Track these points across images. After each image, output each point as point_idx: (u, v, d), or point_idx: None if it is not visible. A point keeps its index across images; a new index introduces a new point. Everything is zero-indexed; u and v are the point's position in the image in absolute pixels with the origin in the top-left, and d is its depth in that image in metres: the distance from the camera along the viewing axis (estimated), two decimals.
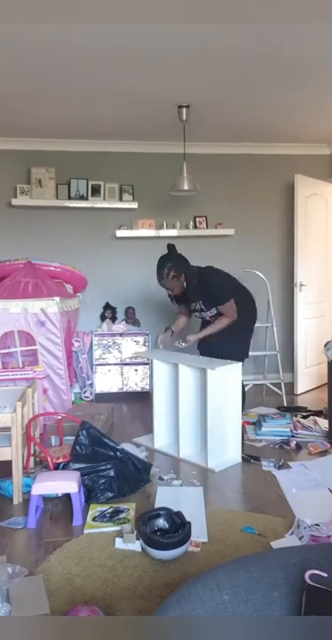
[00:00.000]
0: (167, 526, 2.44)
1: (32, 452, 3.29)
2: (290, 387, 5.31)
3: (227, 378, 3.39)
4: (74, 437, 3.13)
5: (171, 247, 3.77)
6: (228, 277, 3.85)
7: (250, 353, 5.35)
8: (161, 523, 2.45)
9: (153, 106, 4.30)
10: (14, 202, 5.15)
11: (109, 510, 2.70)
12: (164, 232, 5.37)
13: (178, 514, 2.44)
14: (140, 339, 5.18)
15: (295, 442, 3.72)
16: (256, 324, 5.49)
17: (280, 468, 3.30)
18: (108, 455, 3.03)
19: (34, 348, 4.28)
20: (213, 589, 1.27)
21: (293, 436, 3.81)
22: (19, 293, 4.36)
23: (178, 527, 2.36)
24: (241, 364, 3.43)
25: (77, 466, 2.90)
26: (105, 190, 5.34)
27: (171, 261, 3.64)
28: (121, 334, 5.16)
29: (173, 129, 4.72)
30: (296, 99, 4.19)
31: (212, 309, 3.75)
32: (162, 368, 3.76)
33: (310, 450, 3.59)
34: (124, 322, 5.36)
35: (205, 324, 3.90)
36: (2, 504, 2.87)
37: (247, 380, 5.19)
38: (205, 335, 3.76)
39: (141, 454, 3.43)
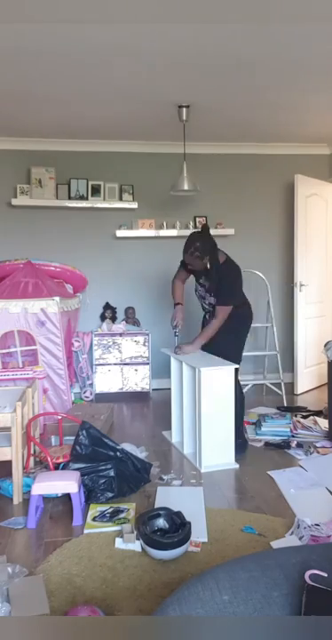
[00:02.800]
0: (167, 526, 2.44)
1: (32, 451, 3.29)
2: (290, 387, 5.30)
3: (221, 377, 3.38)
4: (74, 437, 3.13)
5: (206, 228, 3.72)
6: (240, 285, 3.76)
7: (251, 353, 5.37)
8: (161, 523, 2.45)
9: (153, 106, 4.30)
10: (14, 202, 5.15)
11: (109, 510, 2.70)
12: (164, 232, 5.37)
13: (178, 514, 2.44)
14: (140, 339, 5.18)
15: (295, 442, 3.72)
16: (257, 324, 5.51)
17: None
18: (108, 455, 3.03)
19: (34, 347, 4.29)
20: (213, 589, 1.28)
21: (293, 436, 3.81)
22: (19, 293, 4.36)
23: (178, 527, 2.36)
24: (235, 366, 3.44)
25: (77, 466, 2.90)
26: (105, 190, 5.34)
27: (200, 242, 3.56)
28: (121, 334, 5.16)
29: (173, 129, 4.72)
30: (296, 99, 4.18)
31: (213, 299, 3.70)
32: (176, 366, 3.83)
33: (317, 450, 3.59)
34: (124, 322, 5.36)
35: (203, 306, 3.88)
36: (2, 504, 2.87)
37: (247, 380, 5.20)
38: (200, 344, 3.69)
39: (141, 454, 3.43)
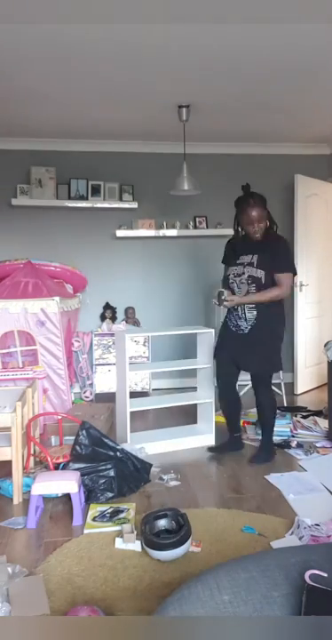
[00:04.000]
0: (174, 526, 2.42)
1: (32, 452, 3.29)
2: (290, 387, 5.30)
3: None
4: (74, 437, 3.13)
5: (247, 186, 3.41)
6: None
7: None
8: (166, 523, 2.43)
9: (153, 106, 4.30)
10: (14, 202, 5.14)
11: (109, 510, 2.70)
12: (164, 232, 5.37)
13: (183, 515, 2.42)
14: (140, 339, 5.18)
15: (295, 442, 3.72)
16: None
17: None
18: (108, 455, 3.03)
19: (34, 347, 4.28)
20: (213, 589, 1.28)
21: (293, 436, 3.81)
22: (19, 293, 4.36)
23: (182, 528, 2.35)
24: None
25: (77, 466, 2.90)
26: (105, 190, 5.34)
27: (258, 195, 3.34)
28: None
29: (173, 129, 4.72)
30: (296, 99, 4.18)
31: (261, 272, 3.32)
32: None
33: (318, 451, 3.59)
34: (124, 322, 5.36)
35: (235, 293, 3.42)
36: (2, 504, 2.86)
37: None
38: (250, 300, 3.33)
39: (141, 454, 3.42)
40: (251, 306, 3.38)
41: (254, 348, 3.40)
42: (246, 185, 3.43)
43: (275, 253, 3.33)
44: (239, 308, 3.42)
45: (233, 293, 3.43)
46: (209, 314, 5.67)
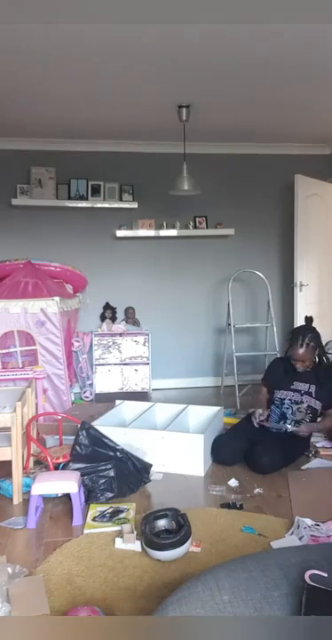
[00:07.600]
0: (174, 526, 2.42)
1: (31, 451, 3.29)
2: None
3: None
4: (73, 437, 3.13)
5: (310, 319, 3.61)
6: None
7: (251, 353, 5.37)
8: (166, 523, 2.43)
9: (153, 106, 4.30)
10: (14, 202, 5.14)
11: (109, 510, 2.70)
12: (164, 232, 5.37)
13: (183, 515, 2.42)
14: (140, 339, 5.18)
15: None
16: (257, 324, 5.51)
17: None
18: (108, 455, 3.03)
19: (34, 348, 4.29)
20: (213, 589, 1.28)
21: None
22: (19, 293, 4.36)
23: (182, 528, 2.35)
24: None
25: (77, 466, 2.90)
26: (105, 190, 5.34)
27: (313, 332, 3.42)
28: (121, 334, 5.16)
29: (173, 129, 4.72)
30: (296, 99, 4.18)
31: (318, 402, 3.39)
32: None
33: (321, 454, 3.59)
34: (124, 322, 5.36)
35: (283, 416, 3.42)
36: (2, 504, 2.86)
37: (246, 381, 5.20)
38: (311, 431, 3.44)
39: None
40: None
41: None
42: (310, 318, 3.61)
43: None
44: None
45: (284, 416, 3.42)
46: (208, 314, 5.67)
